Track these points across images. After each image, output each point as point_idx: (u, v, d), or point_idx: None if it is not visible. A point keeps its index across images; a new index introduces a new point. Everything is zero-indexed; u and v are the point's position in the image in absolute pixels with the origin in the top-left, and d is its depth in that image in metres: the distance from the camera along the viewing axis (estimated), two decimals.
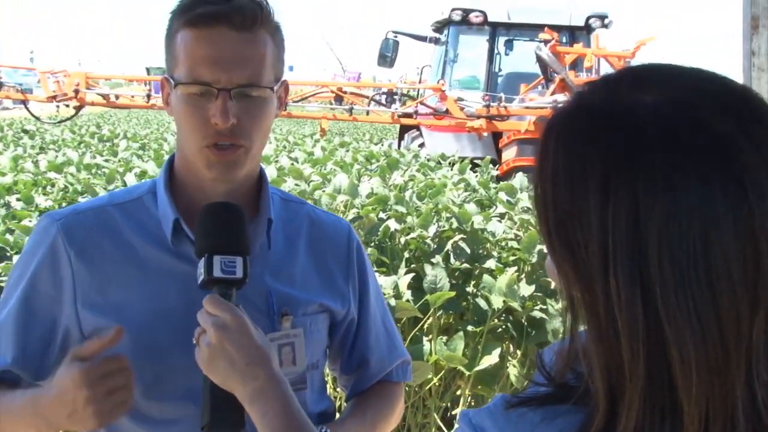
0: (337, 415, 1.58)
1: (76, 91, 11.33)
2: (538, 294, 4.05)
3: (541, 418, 0.79)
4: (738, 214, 0.72)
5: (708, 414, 0.73)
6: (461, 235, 4.35)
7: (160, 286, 1.36)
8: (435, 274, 3.80)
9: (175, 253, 1.37)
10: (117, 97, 12.09)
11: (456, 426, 4.01)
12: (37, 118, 13.26)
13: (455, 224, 4.51)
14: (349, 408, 1.56)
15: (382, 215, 4.65)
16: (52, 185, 6.50)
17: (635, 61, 10.96)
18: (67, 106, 11.87)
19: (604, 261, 0.74)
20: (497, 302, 3.73)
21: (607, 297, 0.74)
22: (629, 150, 0.74)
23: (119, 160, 9.30)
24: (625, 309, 0.73)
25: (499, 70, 13.39)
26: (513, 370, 3.91)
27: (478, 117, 10.83)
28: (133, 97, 12.13)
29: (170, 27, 1.34)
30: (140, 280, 1.36)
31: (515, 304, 3.77)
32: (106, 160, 9.09)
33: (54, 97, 11.70)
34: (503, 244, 4.60)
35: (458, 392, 3.99)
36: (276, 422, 1.12)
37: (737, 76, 1.97)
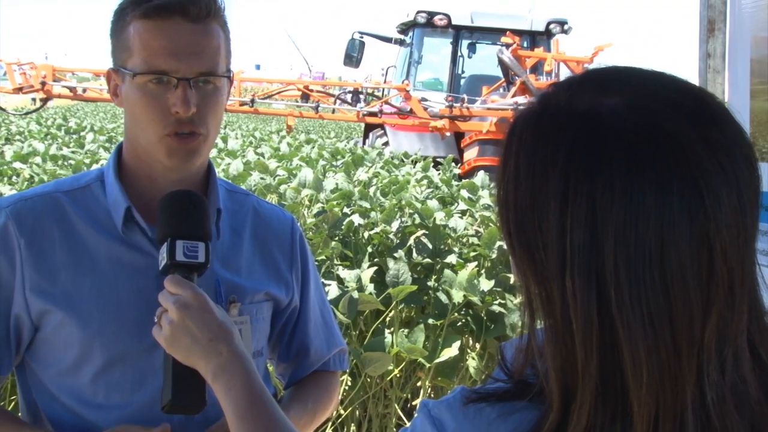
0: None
1: (43, 83, 11.14)
2: (498, 289, 4.06)
3: (498, 414, 0.78)
4: (694, 219, 0.71)
5: (658, 414, 0.72)
6: (423, 231, 4.35)
7: (108, 274, 1.33)
8: (397, 268, 3.80)
9: (125, 241, 1.35)
10: (84, 90, 11.91)
11: (415, 414, 4.03)
12: (3, 110, 13.07)
13: (418, 220, 4.52)
14: (289, 396, 1.55)
15: (346, 210, 4.63)
16: (18, 175, 6.39)
17: (593, 66, 11.05)
18: (35, 100, 11.68)
19: (562, 263, 0.73)
20: (458, 296, 3.74)
21: (563, 298, 0.73)
22: (588, 153, 0.73)
23: (86, 152, 9.17)
24: (581, 311, 0.72)
25: (462, 72, 13.41)
26: (472, 363, 3.93)
27: (441, 117, 10.84)
28: (102, 90, 11.96)
29: (120, 19, 1.32)
30: (89, 268, 1.33)
31: (475, 299, 3.78)
32: (73, 152, 8.96)
33: (20, 89, 11.50)
34: (464, 240, 4.62)
35: (419, 384, 3.99)
36: (240, 397, 1.10)
37: (693, 78, 1.98)
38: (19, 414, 1.42)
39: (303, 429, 1.51)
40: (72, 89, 11.71)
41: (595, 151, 0.73)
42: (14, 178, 6.27)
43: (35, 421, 1.38)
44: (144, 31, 1.28)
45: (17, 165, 6.93)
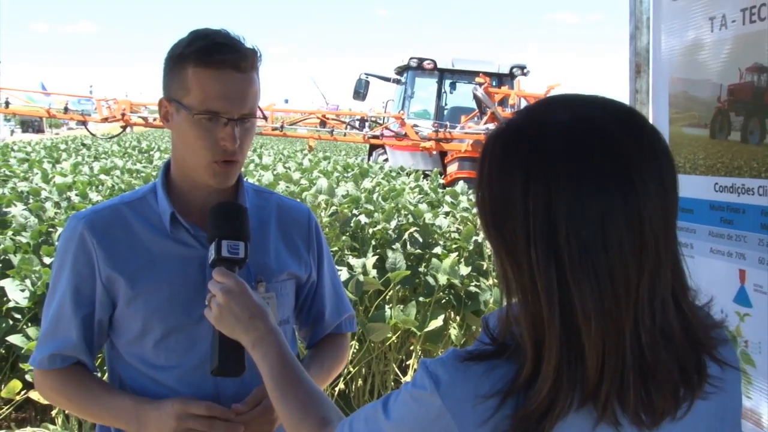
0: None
1: (123, 115, 11.19)
2: (474, 274, 4.05)
3: (484, 369, 0.76)
4: (627, 199, 0.71)
5: (605, 352, 0.72)
6: (415, 228, 4.33)
7: (162, 263, 1.32)
8: (395, 257, 3.78)
9: (173, 238, 1.33)
10: (154, 119, 11.93)
11: (410, 372, 4.01)
12: (94, 135, 13.16)
13: (411, 219, 4.50)
14: (309, 356, 1.52)
15: (354, 211, 4.61)
16: (102, 184, 6.40)
17: None
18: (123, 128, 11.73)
19: (527, 240, 0.73)
20: (442, 279, 3.72)
21: (530, 267, 0.73)
22: (542, 154, 0.73)
23: (153, 167, 9.18)
24: (544, 275, 0.72)
25: (445, 104, 13.38)
26: (453, 332, 3.91)
27: (429, 139, 10.84)
28: None
29: (179, 61, 1.26)
30: (147, 260, 1.32)
31: (456, 281, 3.76)
32: (144, 167, 8.98)
33: (106, 119, 11.56)
34: (448, 235, 4.59)
35: (411, 348, 3.97)
36: (274, 362, 1.09)
37: None
38: (106, 377, 1.42)
39: (321, 382, 1.48)
40: (144, 119, 11.75)
41: (545, 153, 0.73)
42: (100, 186, 6.28)
43: (118, 382, 1.37)
44: (202, 78, 1.23)
45: (102, 177, 6.96)
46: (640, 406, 0.74)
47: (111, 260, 1.31)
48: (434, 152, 11.20)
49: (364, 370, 3.87)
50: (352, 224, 4.28)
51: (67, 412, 3.33)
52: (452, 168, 10.75)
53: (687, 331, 0.78)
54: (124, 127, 11.82)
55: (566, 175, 0.71)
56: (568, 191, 0.71)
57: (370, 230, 4.37)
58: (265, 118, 1.40)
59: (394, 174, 8.81)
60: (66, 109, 11.85)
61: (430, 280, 3.80)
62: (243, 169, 1.42)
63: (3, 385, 3.27)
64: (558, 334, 0.72)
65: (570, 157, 0.72)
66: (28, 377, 3.15)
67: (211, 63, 1.23)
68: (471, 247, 4.26)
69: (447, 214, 5.06)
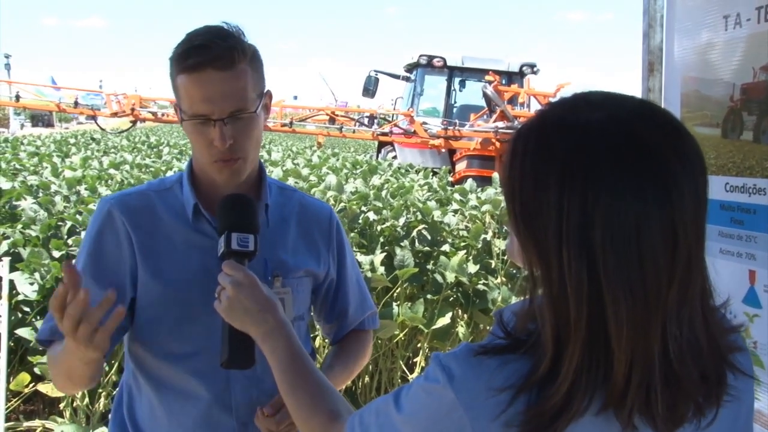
0: (318, 358, 1.54)
1: (133, 110, 11.22)
2: (482, 272, 4.04)
3: (497, 364, 0.76)
4: (662, 208, 0.71)
5: (632, 360, 0.72)
6: (424, 225, 4.33)
7: (183, 252, 1.34)
8: (403, 254, 3.78)
9: (195, 228, 1.35)
10: (163, 114, 11.97)
11: (417, 369, 4.01)
12: (103, 130, 13.21)
13: (420, 216, 4.49)
14: (333, 353, 1.53)
15: (363, 208, 4.61)
16: (112, 179, 6.42)
17: (555, 99, 10.95)
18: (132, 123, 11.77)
19: (559, 241, 0.72)
20: (450, 277, 3.72)
21: (560, 268, 0.72)
22: (580, 156, 0.72)
23: (162, 162, 9.21)
24: (574, 277, 0.71)
25: (455, 102, 13.37)
26: (461, 329, 3.91)
27: (438, 137, 10.83)
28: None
29: (171, 70, 1.28)
30: (169, 247, 1.34)
31: (464, 279, 3.76)
32: (153, 162, 9.00)
33: (116, 114, 11.60)
34: (456, 232, 4.59)
35: (418, 345, 3.98)
36: (283, 355, 1.09)
37: None
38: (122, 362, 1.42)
39: (347, 377, 1.51)
40: (154, 114, 11.79)
41: (585, 155, 0.72)
42: (109, 181, 6.31)
43: (131, 368, 1.38)
44: (185, 83, 1.25)
45: (111, 171, 6.99)
46: (664, 415, 0.74)
47: (137, 240, 1.33)
48: (443, 150, 11.19)
49: (371, 366, 3.87)
50: (360, 221, 4.28)
51: (75, 405, 3.35)
52: (461, 166, 10.75)
53: (711, 342, 0.77)
54: (133, 122, 11.84)
55: (605, 180, 0.71)
56: (605, 197, 0.70)
57: (379, 227, 4.37)
58: (267, 107, 1.37)
59: (402, 171, 8.80)
60: (76, 104, 11.89)
61: (438, 277, 3.80)
62: None
63: (12, 378, 3.29)
64: (583, 337, 0.72)
65: (610, 161, 0.71)
66: (36, 370, 3.18)
67: (189, 67, 1.24)
68: (479, 245, 4.26)
69: (455, 211, 5.05)
